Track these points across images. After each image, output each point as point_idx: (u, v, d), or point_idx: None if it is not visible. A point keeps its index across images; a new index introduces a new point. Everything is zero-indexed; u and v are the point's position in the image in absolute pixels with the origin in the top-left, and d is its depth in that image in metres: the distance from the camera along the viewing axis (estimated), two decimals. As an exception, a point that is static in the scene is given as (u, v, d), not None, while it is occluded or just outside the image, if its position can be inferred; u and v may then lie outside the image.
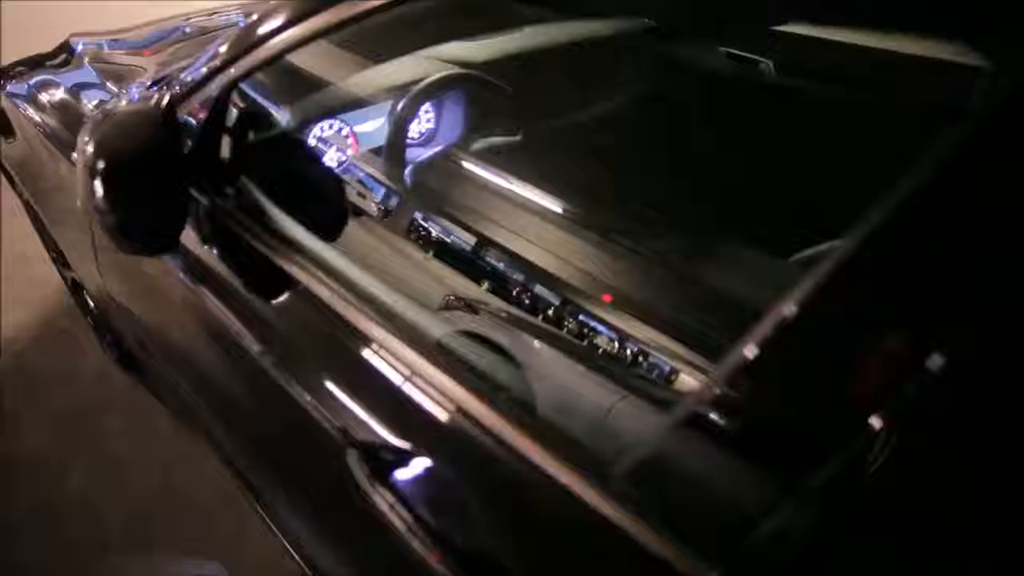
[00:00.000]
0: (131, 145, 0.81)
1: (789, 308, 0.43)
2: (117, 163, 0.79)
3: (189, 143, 1.01)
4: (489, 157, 1.24)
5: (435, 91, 1.23)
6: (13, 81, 1.75)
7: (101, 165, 0.77)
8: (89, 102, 1.48)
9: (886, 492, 0.40)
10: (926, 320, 0.41)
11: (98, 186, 0.77)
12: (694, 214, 1.47)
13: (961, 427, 0.40)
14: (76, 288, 2.02)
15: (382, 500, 0.64)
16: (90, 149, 0.77)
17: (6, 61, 2.29)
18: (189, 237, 1.05)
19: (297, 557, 1.35)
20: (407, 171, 1.18)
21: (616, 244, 1.25)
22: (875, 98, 1.40)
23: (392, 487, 0.64)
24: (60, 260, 2.00)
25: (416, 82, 1.22)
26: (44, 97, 1.59)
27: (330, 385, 0.75)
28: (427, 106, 1.39)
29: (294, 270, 0.78)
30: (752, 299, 1.08)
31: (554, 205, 1.24)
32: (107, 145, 0.78)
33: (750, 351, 0.44)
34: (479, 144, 1.26)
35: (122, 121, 0.82)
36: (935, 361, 0.39)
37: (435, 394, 0.61)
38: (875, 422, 0.39)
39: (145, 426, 1.91)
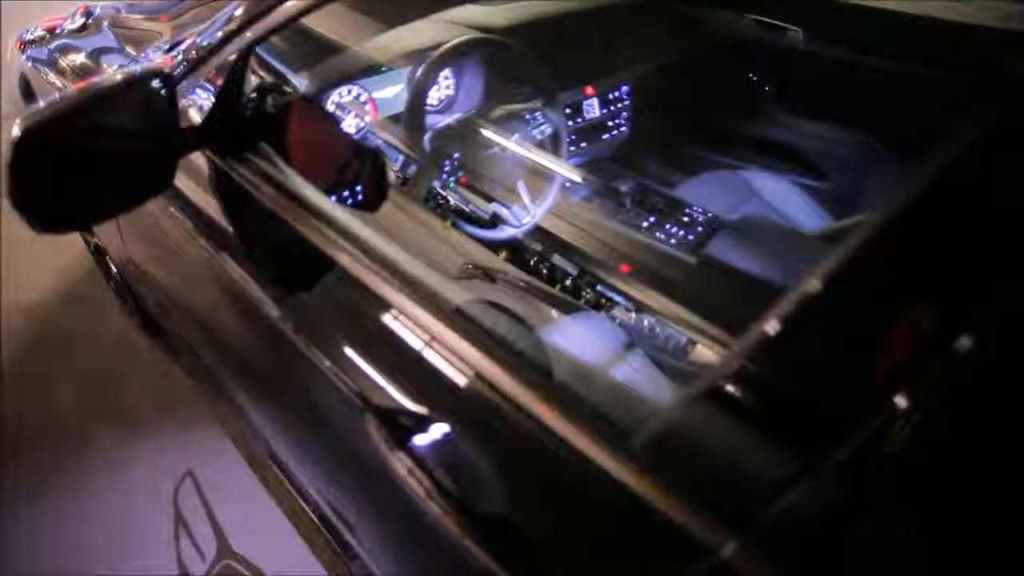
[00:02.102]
0: None
1: (813, 284, 0.42)
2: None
3: (206, 108, 1.01)
4: (509, 124, 1.23)
5: (454, 56, 1.21)
6: (34, 46, 1.76)
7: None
8: (109, 66, 1.48)
9: (907, 471, 0.40)
10: (954, 299, 0.41)
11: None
12: (715, 185, 1.44)
13: (987, 408, 0.40)
14: (99, 253, 2.05)
15: (400, 464, 0.65)
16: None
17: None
18: (209, 203, 1.06)
19: (314, 518, 1.38)
20: (426, 138, 1.17)
21: (635, 214, 1.24)
22: (911, 66, 1.35)
23: (410, 451, 0.65)
24: (83, 225, 2.02)
25: (435, 47, 1.20)
26: (65, 62, 1.60)
27: (349, 350, 0.76)
28: (446, 72, 1.37)
29: (313, 235, 0.78)
30: (773, 273, 1.07)
31: (574, 174, 1.23)
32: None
33: (772, 327, 0.43)
34: (499, 111, 1.25)
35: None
36: (963, 342, 0.38)
37: (453, 359, 0.61)
38: (899, 401, 0.38)
39: (166, 390, 1.95)
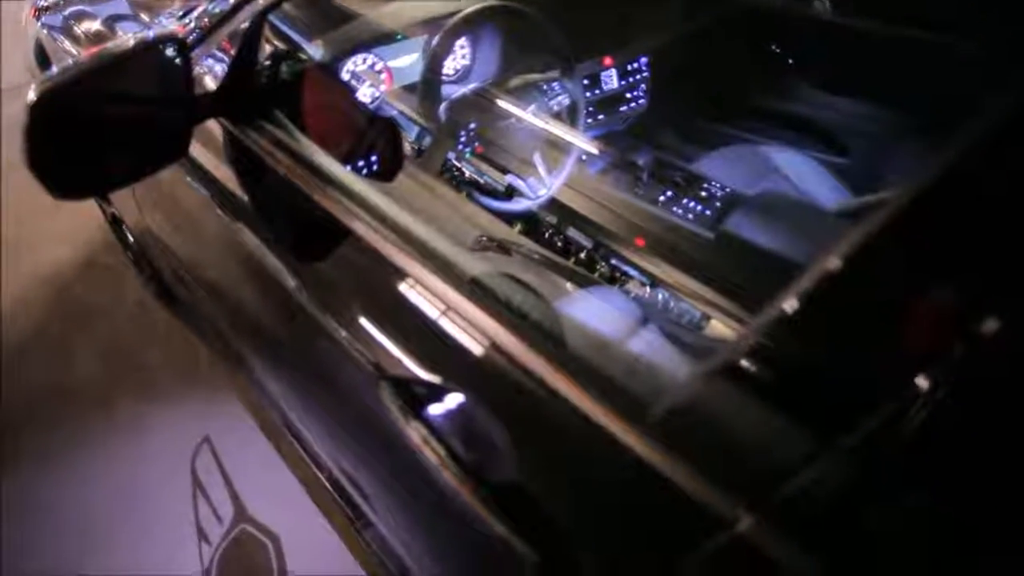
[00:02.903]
0: None
1: (833, 262, 0.41)
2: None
3: (220, 76, 1.00)
4: (526, 95, 1.21)
5: (471, 25, 1.19)
6: (48, 13, 1.75)
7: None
8: (123, 32, 1.48)
9: (925, 452, 0.40)
10: (978, 280, 0.40)
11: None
12: (734, 160, 1.42)
13: (1008, 392, 0.39)
14: (115, 222, 2.07)
15: (415, 433, 0.65)
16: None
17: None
18: (225, 173, 1.05)
19: (329, 486, 1.40)
20: (441, 108, 1.16)
21: (652, 188, 1.22)
22: (939, 35, 1.31)
23: (425, 420, 0.65)
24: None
25: (451, 15, 1.18)
26: (79, 28, 1.59)
27: (364, 319, 0.76)
28: (462, 41, 1.35)
29: (328, 204, 0.78)
30: (792, 250, 1.05)
31: (591, 146, 1.21)
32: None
33: (790, 305, 0.42)
34: (516, 81, 1.23)
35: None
36: (987, 324, 0.37)
37: (470, 329, 0.61)
38: (918, 382, 0.38)
39: (183, 358, 1.98)
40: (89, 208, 2.23)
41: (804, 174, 1.38)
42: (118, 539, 1.56)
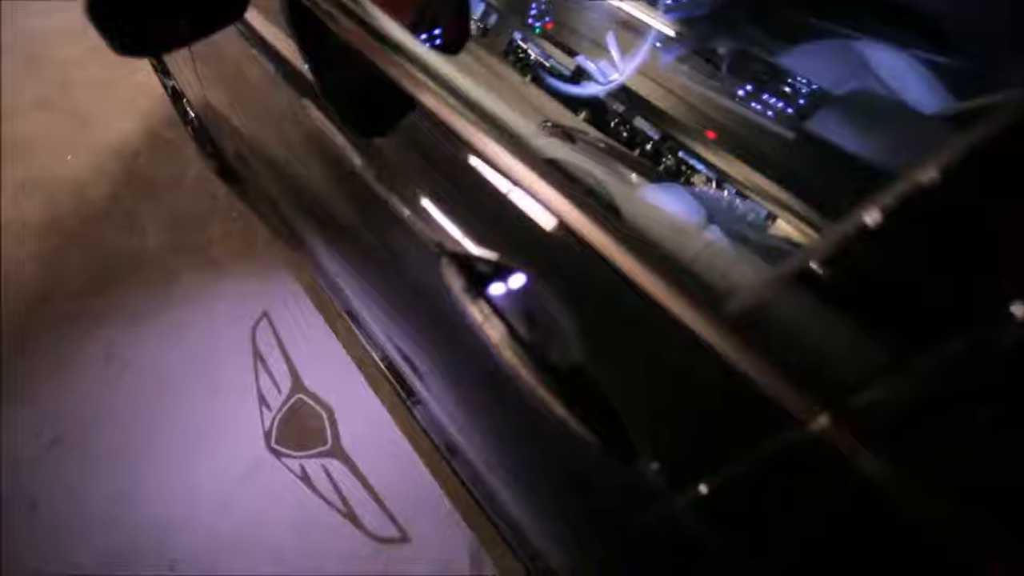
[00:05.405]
0: None
1: (929, 173, 0.37)
2: None
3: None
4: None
5: None
6: None
7: None
8: None
9: (1009, 376, 0.37)
10: None
11: None
12: (824, 55, 1.30)
13: None
14: (176, 96, 2.07)
15: (478, 311, 0.65)
16: None
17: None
18: (286, 44, 1.02)
19: (381, 364, 1.47)
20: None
21: (731, 80, 1.14)
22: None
23: (488, 299, 0.65)
24: (160, 67, 2.03)
25: None
26: None
27: (428, 196, 0.75)
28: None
29: (396, 73, 0.75)
30: (882, 156, 0.98)
31: (668, 29, 1.12)
32: None
33: (874, 216, 0.39)
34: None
35: None
36: None
37: (538, 208, 0.59)
38: (1015, 309, 0.35)
39: (243, 233, 2.05)
40: (150, 80, 2.23)
41: (901, 73, 1.26)
42: (191, 398, 1.69)
